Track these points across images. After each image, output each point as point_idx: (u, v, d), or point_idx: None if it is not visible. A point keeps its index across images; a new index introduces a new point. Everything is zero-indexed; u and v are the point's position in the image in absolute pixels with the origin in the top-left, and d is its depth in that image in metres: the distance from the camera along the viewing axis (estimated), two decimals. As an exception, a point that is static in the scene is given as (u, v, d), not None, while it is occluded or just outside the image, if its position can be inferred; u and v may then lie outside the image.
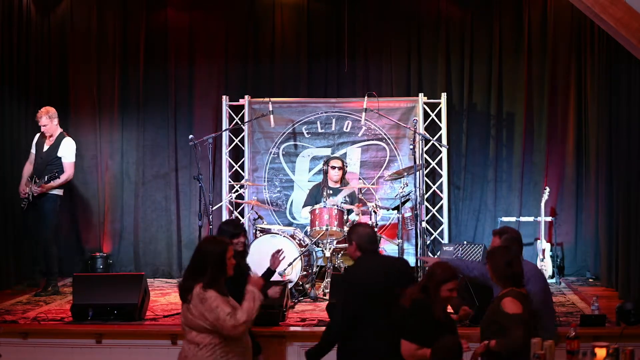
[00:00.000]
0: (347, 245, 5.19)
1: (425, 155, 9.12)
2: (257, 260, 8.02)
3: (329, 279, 7.95)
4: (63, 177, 8.23)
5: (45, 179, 8.10)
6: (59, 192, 8.32)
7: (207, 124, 9.68)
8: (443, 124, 9.31)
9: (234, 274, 4.70)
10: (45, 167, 8.23)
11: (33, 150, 8.43)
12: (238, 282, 4.83)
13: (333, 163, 8.71)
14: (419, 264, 8.09)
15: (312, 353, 5.05)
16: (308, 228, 8.39)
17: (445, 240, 9.27)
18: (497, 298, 4.90)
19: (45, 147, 8.32)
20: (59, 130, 8.36)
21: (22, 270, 8.71)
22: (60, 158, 8.28)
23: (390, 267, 5.00)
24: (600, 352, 4.23)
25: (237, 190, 9.42)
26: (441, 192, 9.37)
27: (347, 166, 8.91)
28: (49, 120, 8.25)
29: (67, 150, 8.33)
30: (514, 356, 4.66)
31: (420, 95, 9.32)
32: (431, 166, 9.38)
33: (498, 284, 4.95)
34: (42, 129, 8.27)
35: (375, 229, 5.59)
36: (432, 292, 4.67)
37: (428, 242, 9.17)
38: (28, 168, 8.38)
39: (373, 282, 4.82)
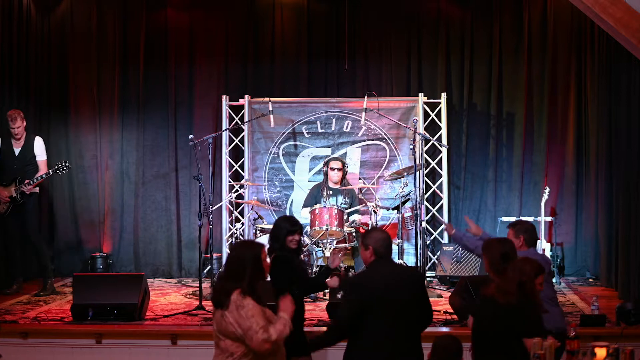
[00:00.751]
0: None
1: (425, 155, 9.12)
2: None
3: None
4: (43, 174, 8.26)
5: (55, 169, 8.14)
6: (37, 189, 8.37)
7: (207, 124, 9.68)
8: (443, 124, 9.31)
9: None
10: (25, 168, 8.25)
11: None
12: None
13: (332, 164, 8.71)
14: (419, 264, 8.10)
15: (312, 343, 5.07)
16: (308, 228, 8.40)
17: (445, 240, 9.28)
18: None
19: (17, 149, 8.29)
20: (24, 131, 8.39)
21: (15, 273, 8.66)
22: (35, 157, 8.29)
23: (404, 277, 4.89)
24: (600, 352, 4.22)
25: (237, 190, 9.43)
26: (441, 192, 9.37)
27: (347, 167, 8.90)
28: (22, 122, 8.24)
29: (41, 148, 8.37)
30: None
31: (420, 95, 9.32)
32: (431, 166, 9.38)
33: (492, 275, 5.00)
34: (16, 130, 8.21)
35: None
36: (528, 287, 4.65)
37: (428, 242, 9.18)
38: None
39: (384, 288, 4.71)
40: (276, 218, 9.35)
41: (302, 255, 5.86)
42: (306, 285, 5.73)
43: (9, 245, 8.48)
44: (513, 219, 9.19)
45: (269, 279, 5.14)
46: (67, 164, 8.28)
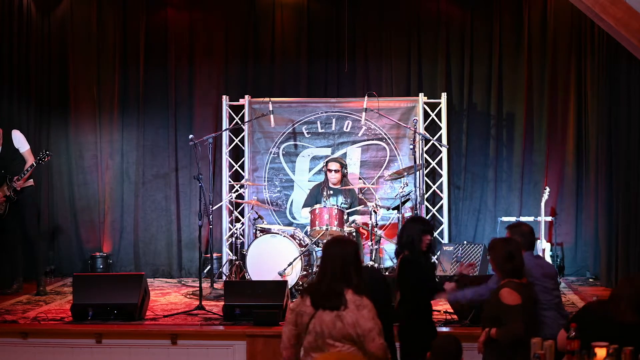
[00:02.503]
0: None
1: (425, 155, 9.12)
2: (257, 260, 8.08)
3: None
4: (28, 167, 8.21)
5: (37, 160, 8.10)
6: (31, 182, 8.32)
7: (207, 124, 9.68)
8: (443, 124, 9.31)
9: None
10: (11, 164, 8.20)
11: None
12: None
13: (330, 166, 8.67)
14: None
15: None
16: (308, 228, 8.39)
17: (445, 240, 9.27)
18: (496, 289, 4.96)
19: None
20: None
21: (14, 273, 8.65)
22: (18, 150, 8.25)
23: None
24: (600, 352, 4.21)
25: (237, 190, 9.42)
26: (441, 192, 9.37)
27: (346, 168, 8.85)
28: None
29: (22, 141, 8.28)
30: (515, 345, 4.75)
31: (420, 95, 9.32)
32: (431, 166, 9.37)
33: (498, 275, 5.02)
34: None
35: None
36: None
37: (428, 242, 9.16)
38: None
39: None
40: (273, 218, 9.39)
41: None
42: (432, 287, 5.55)
43: (9, 245, 8.47)
44: (513, 219, 9.21)
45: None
46: (48, 152, 8.21)
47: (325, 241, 4.49)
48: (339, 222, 8.08)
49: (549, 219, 9.12)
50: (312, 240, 8.18)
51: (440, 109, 9.32)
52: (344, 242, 4.47)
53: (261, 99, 9.31)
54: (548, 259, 8.86)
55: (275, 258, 7.98)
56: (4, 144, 8.24)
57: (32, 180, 8.34)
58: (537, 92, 9.49)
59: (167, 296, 8.30)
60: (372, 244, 8.19)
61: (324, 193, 8.56)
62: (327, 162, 8.77)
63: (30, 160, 8.24)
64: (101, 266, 9.40)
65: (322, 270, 4.33)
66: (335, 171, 8.64)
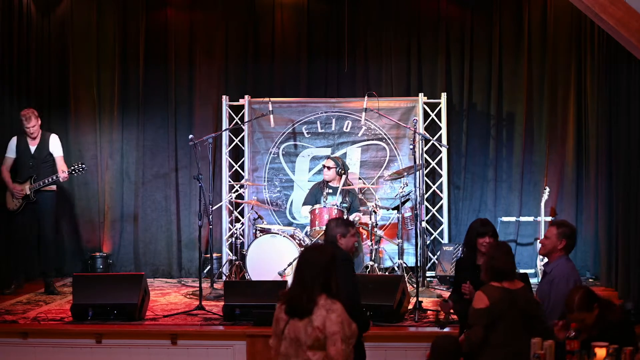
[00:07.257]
0: None
1: (425, 155, 9.12)
2: (257, 260, 8.09)
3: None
4: (65, 170, 8.25)
5: (70, 170, 8.18)
6: (54, 187, 8.35)
7: (207, 124, 9.68)
8: (443, 124, 9.31)
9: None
10: (41, 166, 8.25)
11: (12, 155, 8.32)
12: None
13: (325, 163, 8.71)
14: (419, 264, 8.09)
15: None
16: (308, 228, 8.40)
17: (445, 240, 9.28)
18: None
19: (33, 148, 8.30)
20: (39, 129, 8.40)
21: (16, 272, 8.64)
22: (52, 154, 8.31)
23: None
24: (600, 352, 4.21)
25: (237, 190, 9.42)
26: (441, 192, 9.37)
27: (342, 167, 8.73)
28: (37, 120, 8.27)
29: (58, 146, 8.38)
30: (480, 350, 4.70)
31: (420, 95, 9.32)
32: (431, 166, 9.38)
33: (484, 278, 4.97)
34: (31, 129, 8.23)
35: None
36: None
37: (428, 242, 9.18)
38: (5, 173, 8.31)
39: None
40: (273, 218, 9.38)
41: None
42: None
43: (16, 243, 8.44)
44: (513, 219, 9.23)
45: None
46: (84, 165, 8.30)
47: (302, 249, 4.49)
48: (339, 222, 8.06)
49: (549, 219, 9.11)
50: (312, 240, 8.18)
51: (440, 109, 9.32)
52: (320, 249, 4.49)
53: (261, 99, 9.31)
54: (548, 259, 8.85)
55: (275, 258, 7.99)
56: (40, 145, 8.32)
57: (55, 185, 8.36)
58: (537, 92, 9.49)
59: (167, 296, 8.30)
60: (372, 244, 8.20)
61: (324, 192, 8.57)
62: (324, 160, 8.79)
63: (61, 165, 8.30)
64: (101, 266, 9.40)
65: (297, 277, 4.30)
66: (328, 168, 8.65)
